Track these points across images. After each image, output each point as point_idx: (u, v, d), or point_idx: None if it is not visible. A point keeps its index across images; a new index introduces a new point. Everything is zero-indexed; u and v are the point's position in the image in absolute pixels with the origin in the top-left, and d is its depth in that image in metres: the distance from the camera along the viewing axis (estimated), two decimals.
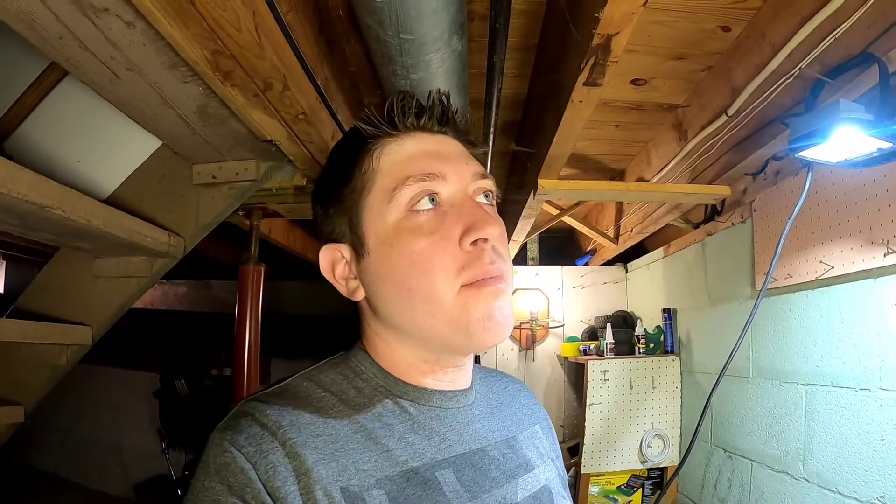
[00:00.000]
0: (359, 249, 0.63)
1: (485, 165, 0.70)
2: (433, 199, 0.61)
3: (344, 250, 0.65)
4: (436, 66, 1.26)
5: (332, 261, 0.67)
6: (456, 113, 0.66)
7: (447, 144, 0.65)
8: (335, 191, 0.66)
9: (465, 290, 0.59)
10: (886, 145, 1.12)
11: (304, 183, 1.77)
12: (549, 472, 0.72)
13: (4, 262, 4.83)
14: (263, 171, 1.68)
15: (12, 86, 1.72)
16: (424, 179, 0.60)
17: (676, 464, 2.26)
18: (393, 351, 0.65)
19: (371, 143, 0.64)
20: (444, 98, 0.65)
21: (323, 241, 0.68)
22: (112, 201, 1.76)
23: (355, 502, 0.54)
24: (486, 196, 0.65)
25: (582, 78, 1.20)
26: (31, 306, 1.85)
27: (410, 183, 0.60)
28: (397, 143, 0.63)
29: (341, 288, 0.67)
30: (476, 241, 0.59)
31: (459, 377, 0.68)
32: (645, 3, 0.97)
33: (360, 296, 0.65)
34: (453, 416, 0.66)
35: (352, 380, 0.64)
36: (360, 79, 1.76)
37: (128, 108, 1.44)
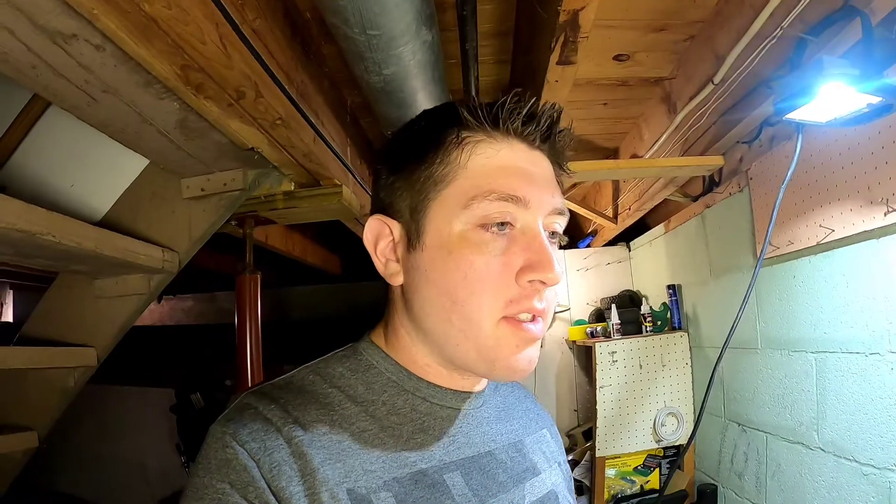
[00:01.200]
0: (413, 238, 0.60)
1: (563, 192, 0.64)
2: (504, 224, 0.57)
3: (395, 229, 0.62)
4: (407, 60, 1.24)
5: (378, 234, 0.63)
6: (561, 132, 0.62)
7: (540, 165, 0.61)
8: (408, 164, 0.61)
9: (503, 324, 0.57)
10: (875, 100, 1.09)
11: (293, 188, 1.76)
12: (555, 476, 0.72)
13: (12, 292, 4.90)
14: (251, 179, 1.68)
15: (1, 118, 1.75)
16: (508, 200, 0.56)
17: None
18: (413, 345, 0.63)
19: (464, 135, 0.59)
20: (555, 113, 0.60)
21: (375, 208, 0.65)
22: (106, 222, 1.78)
23: None
24: (553, 235, 0.61)
25: (554, 57, 1.18)
26: (36, 332, 1.88)
27: (493, 199, 0.56)
28: (493, 147, 0.59)
29: (379, 265, 0.64)
30: (533, 280, 0.56)
31: (475, 379, 0.67)
32: None
33: (397, 282, 0.63)
34: (464, 417, 0.65)
35: (361, 375, 0.62)
36: (339, 79, 1.75)
37: (110, 130, 1.44)
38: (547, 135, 0.60)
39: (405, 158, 0.62)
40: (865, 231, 1.34)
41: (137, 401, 4.50)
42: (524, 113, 0.58)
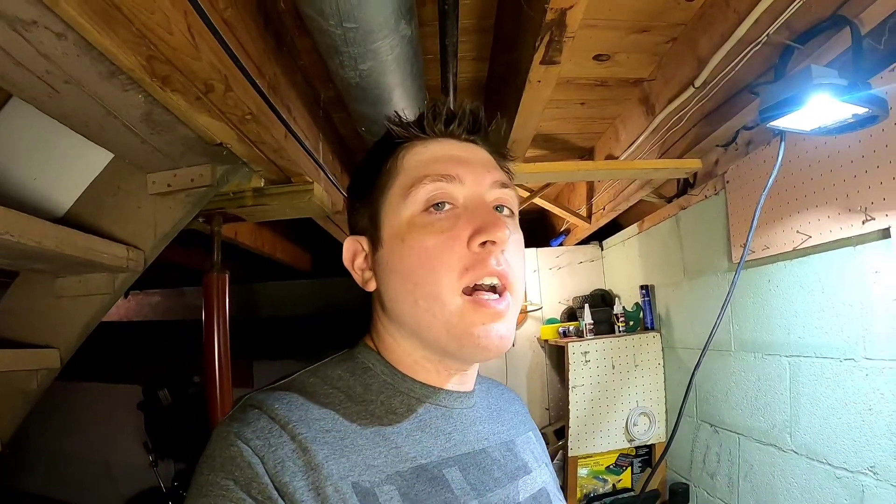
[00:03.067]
0: (375, 242, 0.66)
1: (511, 177, 0.70)
2: (444, 203, 0.62)
3: (364, 243, 0.68)
4: (385, 54, 1.19)
5: (354, 252, 0.69)
6: (490, 124, 0.68)
7: (473, 152, 0.67)
8: (363, 187, 0.69)
9: (466, 300, 0.60)
10: (861, 110, 1.08)
11: (262, 184, 1.69)
12: (545, 475, 0.74)
13: None
14: (219, 175, 1.60)
15: None
16: (441, 180, 0.62)
17: (664, 440, 2.26)
18: (398, 344, 0.66)
19: (399, 145, 0.66)
20: (475, 109, 0.67)
21: (349, 233, 0.71)
22: (68, 218, 1.70)
23: (367, 497, 0.54)
24: (500, 209, 0.65)
25: (538, 56, 1.15)
26: None
27: (427, 182, 0.62)
28: (423, 145, 0.66)
29: (357, 278, 0.69)
30: (484, 242, 0.60)
31: (464, 379, 0.69)
32: None
33: (371, 286, 0.67)
34: (458, 416, 0.67)
35: (359, 376, 0.65)
36: (312, 73, 1.68)
37: (72, 122, 1.36)
38: (473, 128, 0.67)
39: (361, 184, 0.70)
40: (843, 238, 1.35)
41: (103, 397, 4.44)
42: (443, 114, 0.65)
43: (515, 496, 0.66)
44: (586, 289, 2.85)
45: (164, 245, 1.65)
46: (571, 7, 1.07)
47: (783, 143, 1.39)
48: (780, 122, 1.20)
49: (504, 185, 0.66)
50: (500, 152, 0.70)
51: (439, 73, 1.46)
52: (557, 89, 1.90)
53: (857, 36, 1.06)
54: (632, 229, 2.57)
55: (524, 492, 0.67)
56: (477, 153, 0.67)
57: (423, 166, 0.63)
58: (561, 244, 3.13)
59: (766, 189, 1.42)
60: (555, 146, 2.46)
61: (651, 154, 1.96)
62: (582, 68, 1.80)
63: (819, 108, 1.10)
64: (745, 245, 1.55)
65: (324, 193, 1.82)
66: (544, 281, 2.98)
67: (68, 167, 1.71)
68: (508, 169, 0.71)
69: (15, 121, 1.66)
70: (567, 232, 3.12)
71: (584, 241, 3.01)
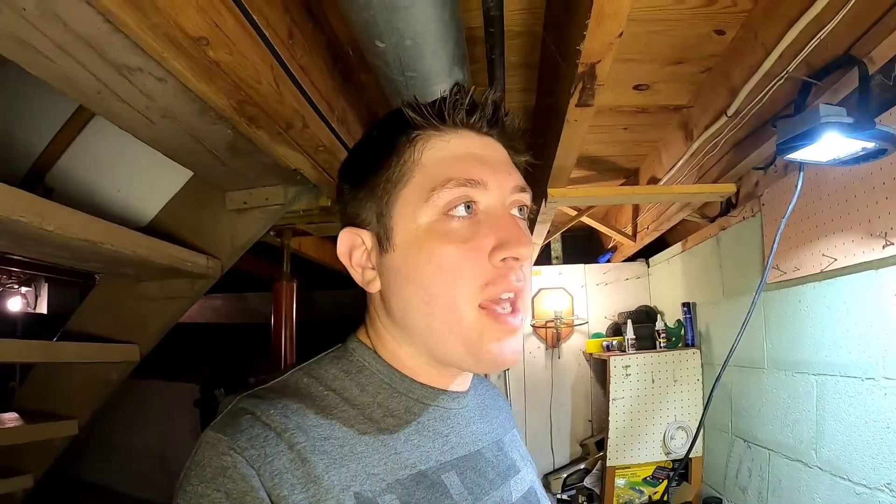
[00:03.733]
0: (383, 242, 0.61)
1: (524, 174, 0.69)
2: (469, 207, 0.59)
3: (366, 237, 0.63)
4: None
5: (351, 245, 0.64)
6: (506, 116, 0.64)
7: (492, 149, 0.63)
8: (367, 174, 0.63)
9: (483, 314, 0.58)
10: (870, 145, 1.17)
11: (329, 203, 1.89)
12: (531, 474, 0.74)
13: (47, 285, 5.12)
14: (291, 195, 1.79)
15: (49, 122, 1.85)
16: (466, 185, 0.58)
17: (700, 454, 2.31)
18: (400, 347, 0.64)
19: (415, 133, 0.61)
20: (496, 99, 0.63)
21: (345, 222, 0.65)
22: (152, 227, 1.90)
23: None
24: (521, 210, 0.64)
25: (573, 101, 1.28)
26: (80, 328, 2.00)
27: (451, 186, 0.58)
28: (442, 140, 0.61)
29: (356, 275, 0.65)
30: (506, 258, 0.58)
31: (462, 379, 0.68)
32: (620, 35, 1.04)
33: (374, 288, 0.63)
34: (455, 416, 0.66)
35: (354, 376, 0.62)
36: (377, 104, 1.87)
37: (163, 148, 1.56)
38: (493, 120, 0.62)
39: (364, 169, 0.63)
40: (865, 262, 1.42)
41: (163, 395, 4.60)
42: (466, 103, 0.60)
43: (509, 497, 0.65)
44: (632, 305, 2.93)
45: (239, 255, 1.86)
46: (600, 61, 1.20)
47: (802, 173, 1.47)
48: (797, 155, 1.29)
49: (523, 190, 0.63)
50: (515, 146, 0.66)
51: None
52: (601, 116, 2.03)
53: (864, 75, 1.15)
54: (676, 247, 2.64)
55: (516, 492, 0.67)
56: (496, 150, 0.63)
57: (445, 166, 0.59)
58: (608, 261, 3.21)
59: (787, 215, 1.50)
60: (600, 167, 2.57)
61: (690, 177, 2.05)
62: (623, 97, 1.92)
63: (830, 143, 1.19)
64: (766, 266, 1.63)
65: None
66: (591, 296, 3.07)
67: (150, 181, 1.90)
68: (520, 164, 0.67)
69: (99, 136, 1.84)
70: (614, 249, 3.21)
71: (631, 258, 3.08)
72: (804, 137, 1.20)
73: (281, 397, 0.56)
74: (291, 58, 1.22)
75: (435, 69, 1.24)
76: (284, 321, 1.89)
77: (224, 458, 0.49)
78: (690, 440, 2.31)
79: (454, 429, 0.65)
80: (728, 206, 2.21)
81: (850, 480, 1.47)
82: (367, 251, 0.63)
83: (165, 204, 1.94)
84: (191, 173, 1.85)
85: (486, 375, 0.90)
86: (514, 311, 0.59)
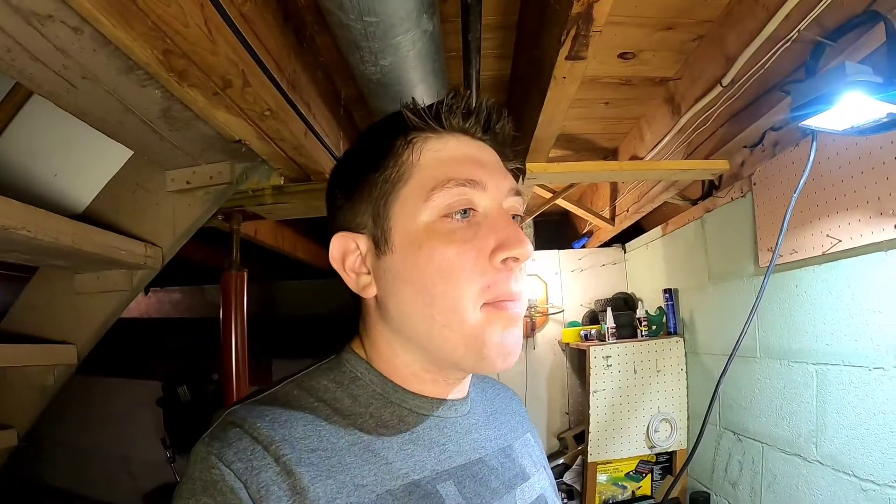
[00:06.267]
0: (380, 244, 0.60)
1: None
2: (467, 212, 0.58)
3: (361, 242, 0.62)
4: (406, 50, 1.18)
5: (344, 251, 0.63)
6: (499, 123, 0.64)
7: (486, 153, 0.63)
8: (363, 176, 0.62)
9: (486, 309, 0.57)
10: None
11: (282, 182, 1.70)
12: (543, 480, 0.72)
13: None
14: (238, 172, 1.62)
15: None
16: (465, 185, 0.58)
17: (685, 447, 2.21)
18: (395, 355, 0.62)
19: (412, 135, 0.61)
20: (491, 107, 0.63)
21: (336, 228, 0.64)
22: (88, 214, 1.73)
23: None
24: (514, 217, 0.63)
25: (564, 51, 1.12)
26: (15, 328, 1.83)
27: (451, 186, 0.58)
28: (441, 141, 0.61)
29: (350, 281, 0.63)
30: (506, 259, 0.57)
31: (459, 387, 0.67)
32: None
33: (370, 293, 0.62)
34: (452, 425, 0.64)
35: (346, 387, 0.61)
36: (333, 70, 1.68)
37: (91, 118, 1.39)
38: (487, 126, 0.63)
39: (360, 172, 0.62)
40: (874, 243, 1.30)
41: (124, 394, 4.50)
42: (462, 108, 0.61)
43: None
44: (608, 292, 2.81)
45: (183, 242, 1.67)
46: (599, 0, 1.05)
47: (815, 143, 1.34)
48: (813, 122, 1.16)
49: (517, 193, 0.63)
50: (506, 153, 0.66)
51: (461, 70, 1.45)
52: (581, 88, 1.87)
53: (891, 31, 1.02)
54: (655, 232, 2.52)
55: (522, 500, 0.65)
56: (490, 155, 0.64)
57: (444, 167, 0.59)
58: (583, 246, 3.09)
59: (797, 190, 1.37)
60: (578, 146, 2.43)
61: (676, 155, 1.92)
62: (606, 66, 1.77)
63: (853, 106, 1.06)
64: (773, 249, 1.51)
65: None
66: (566, 283, 2.94)
67: (88, 164, 1.75)
68: (514, 167, 0.68)
69: (35, 119, 1.70)
70: (590, 234, 3.09)
71: (607, 244, 2.97)
72: (824, 100, 1.07)
73: (269, 410, 0.56)
74: (230, 2, 1.02)
75: (400, 14, 1.07)
76: (235, 314, 1.70)
77: (213, 471, 0.50)
78: (675, 432, 2.21)
79: (452, 437, 0.63)
80: (711, 187, 2.10)
81: (855, 476, 1.36)
82: (361, 256, 0.62)
83: (103, 188, 1.75)
84: (129, 154, 1.68)
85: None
86: (515, 302, 0.58)
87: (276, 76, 1.18)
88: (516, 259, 0.57)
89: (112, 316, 1.77)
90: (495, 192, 0.60)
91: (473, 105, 0.62)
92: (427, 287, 0.57)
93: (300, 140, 1.42)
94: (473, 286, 0.56)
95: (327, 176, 1.69)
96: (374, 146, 0.63)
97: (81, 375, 1.87)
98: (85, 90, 1.20)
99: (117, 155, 1.71)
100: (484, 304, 0.57)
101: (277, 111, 1.24)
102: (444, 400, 0.65)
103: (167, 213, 1.66)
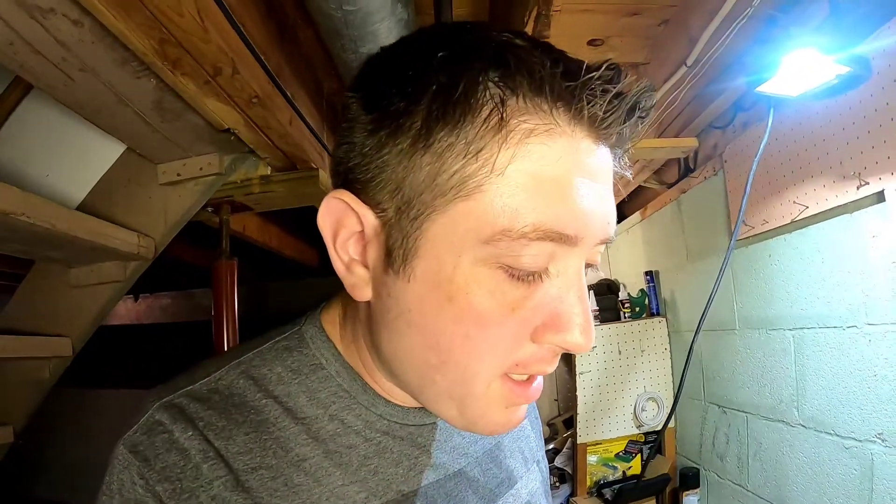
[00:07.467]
0: (395, 255, 0.42)
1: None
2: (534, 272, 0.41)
3: (368, 221, 0.43)
4: (383, 37, 1.24)
5: (339, 220, 0.44)
6: (644, 121, 0.43)
7: (604, 172, 0.42)
8: (408, 117, 0.40)
9: (503, 382, 0.43)
10: (844, 70, 1.11)
11: (269, 172, 1.74)
12: (532, 482, 0.63)
13: None
14: (227, 163, 1.66)
15: None
16: (553, 240, 0.39)
17: (673, 425, 2.25)
18: (375, 367, 0.50)
19: (512, 109, 0.38)
20: (643, 90, 0.40)
21: (337, 175, 0.46)
22: (81, 210, 1.75)
23: None
24: (587, 267, 0.45)
25: (528, 31, 1.17)
26: (12, 324, 1.83)
27: (534, 238, 0.38)
28: (548, 145, 0.38)
29: (338, 263, 0.45)
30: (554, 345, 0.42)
31: None
32: None
33: (364, 297, 0.45)
34: (429, 432, 0.53)
35: (305, 378, 0.49)
36: (315, 62, 1.73)
37: (86, 111, 1.42)
38: (624, 125, 0.41)
39: (404, 104, 0.40)
40: (839, 206, 1.37)
41: (114, 403, 4.43)
42: (612, 93, 0.38)
43: None
44: (591, 279, 2.87)
45: (174, 233, 1.70)
46: None
47: (772, 111, 1.41)
48: (766, 87, 1.23)
49: (607, 243, 0.45)
50: (621, 164, 0.46)
51: None
52: None
53: (834, 2, 1.09)
54: (635, 217, 2.59)
55: None
56: (606, 175, 0.42)
57: (536, 197, 0.38)
58: None
59: (757, 158, 1.44)
60: None
61: (649, 136, 1.99)
62: (577, 53, 1.74)
63: (801, 67, 1.13)
64: (738, 219, 1.57)
65: (329, 180, 1.86)
66: None
67: (79, 162, 1.76)
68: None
69: (28, 119, 1.72)
70: None
71: None
72: (774, 65, 1.13)
73: (206, 410, 0.46)
74: None
75: (376, 3, 1.13)
76: (226, 304, 1.72)
77: (136, 489, 0.43)
78: (662, 411, 2.26)
79: (426, 448, 0.53)
80: (687, 169, 2.17)
81: (837, 435, 1.41)
82: (362, 240, 0.44)
83: (95, 185, 1.79)
84: (121, 150, 1.72)
85: None
86: (531, 378, 0.45)
87: (263, 62, 1.22)
88: (568, 350, 0.43)
89: (106, 308, 1.79)
90: (586, 246, 0.41)
91: (619, 89, 0.39)
92: (441, 348, 0.42)
93: (286, 128, 1.46)
94: (499, 363, 0.42)
95: (312, 165, 1.75)
96: (445, 81, 0.39)
97: (73, 388, 1.86)
98: (82, 83, 1.23)
99: (109, 152, 1.74)
100: (504, 374, 0.43)
101: (264, 98, 1.29)
102: (420, 408, 0.53)
103: (159, 205, 1.69)
